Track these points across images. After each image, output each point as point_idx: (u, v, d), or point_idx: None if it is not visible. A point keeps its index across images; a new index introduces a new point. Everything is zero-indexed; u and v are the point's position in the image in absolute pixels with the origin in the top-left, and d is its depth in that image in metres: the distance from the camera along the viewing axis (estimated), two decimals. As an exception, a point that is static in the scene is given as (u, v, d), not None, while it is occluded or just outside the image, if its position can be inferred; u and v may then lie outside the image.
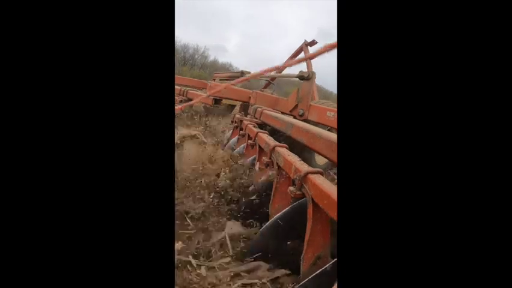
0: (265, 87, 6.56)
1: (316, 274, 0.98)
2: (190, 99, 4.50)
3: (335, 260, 0.98)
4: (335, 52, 0.78)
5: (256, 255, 1.30)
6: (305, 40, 6.03)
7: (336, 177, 3.11)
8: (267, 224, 1.34)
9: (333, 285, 0.79)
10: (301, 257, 1.11)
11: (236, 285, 1.16)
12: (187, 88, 4.82)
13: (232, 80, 4.83)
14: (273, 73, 4.57)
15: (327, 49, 0.94)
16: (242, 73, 5.32)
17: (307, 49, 6.07)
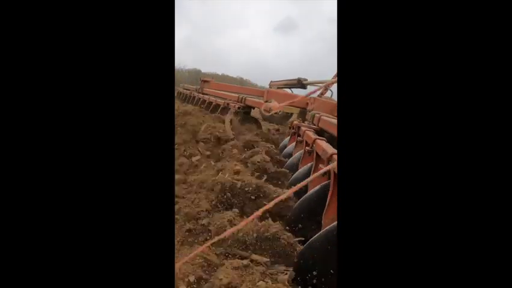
0: (323, 94, 6.42)
1: None
2: (249, 106, 4.58)
3: None
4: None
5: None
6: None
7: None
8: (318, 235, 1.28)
9: None
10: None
11: None
12: (246, 95, 4.93)
13: (289, 87, 4.80)
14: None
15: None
16: (299, 80, 5.28)
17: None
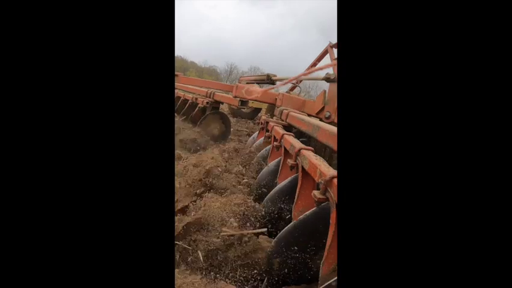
0: (292, 89, 6.50)
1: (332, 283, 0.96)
2: (217, 101, 4.56)
3: None
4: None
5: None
6: (330, 42, 5.93)
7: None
8: (286, 228, 1.33)
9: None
10: (322, 262, 1.09)
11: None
12: (214, 90, 4.89)
13: (258, 82, 4.83)
14: (299, 75, 4.54)
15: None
16: (268, 76, 5.31)
17: (333, 51, 5.96)
